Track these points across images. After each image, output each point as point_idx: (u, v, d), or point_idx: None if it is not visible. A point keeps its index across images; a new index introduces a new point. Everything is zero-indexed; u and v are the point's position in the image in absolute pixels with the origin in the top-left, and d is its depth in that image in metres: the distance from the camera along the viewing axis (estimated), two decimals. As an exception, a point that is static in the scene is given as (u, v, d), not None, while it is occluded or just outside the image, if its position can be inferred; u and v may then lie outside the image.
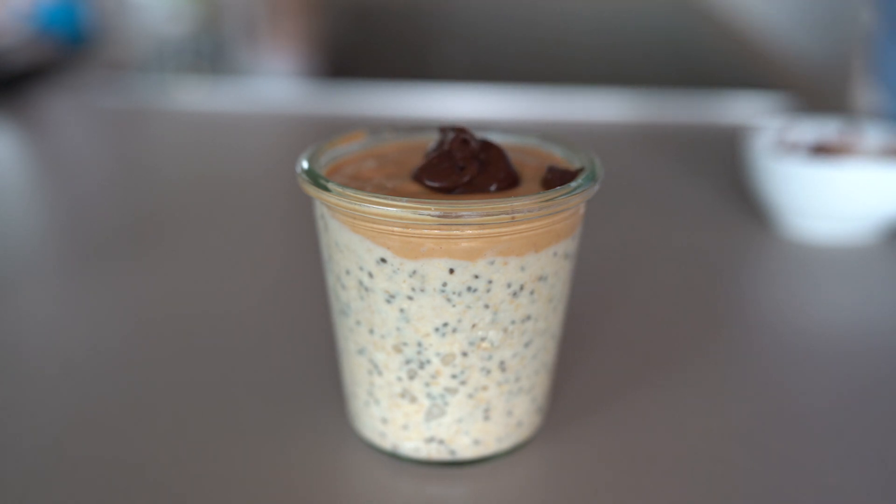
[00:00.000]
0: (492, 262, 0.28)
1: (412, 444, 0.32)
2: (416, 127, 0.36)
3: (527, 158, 0.34)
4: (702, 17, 1.33)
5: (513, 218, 0.27)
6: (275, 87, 0.93)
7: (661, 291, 0.48)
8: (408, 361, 0.30)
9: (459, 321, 0.29)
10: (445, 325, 0.29)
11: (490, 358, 0.30)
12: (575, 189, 0.29)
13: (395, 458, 0.33)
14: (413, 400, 0.31)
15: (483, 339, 0.30)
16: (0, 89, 0.84)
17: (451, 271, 0.28)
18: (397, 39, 1.16)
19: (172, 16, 1.15)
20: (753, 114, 0.82)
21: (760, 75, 0.97)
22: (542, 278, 0.30)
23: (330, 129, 0.38)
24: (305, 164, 0.31)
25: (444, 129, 0.32)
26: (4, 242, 0.56)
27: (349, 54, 1.09)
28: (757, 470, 0.33)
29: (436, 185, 0.30)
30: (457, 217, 0.27)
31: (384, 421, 0.32)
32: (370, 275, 0.29)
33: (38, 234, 0.58)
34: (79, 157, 0.73)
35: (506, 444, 0.33)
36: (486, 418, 0.32)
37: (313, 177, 0.30)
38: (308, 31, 1.25)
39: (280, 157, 0.70)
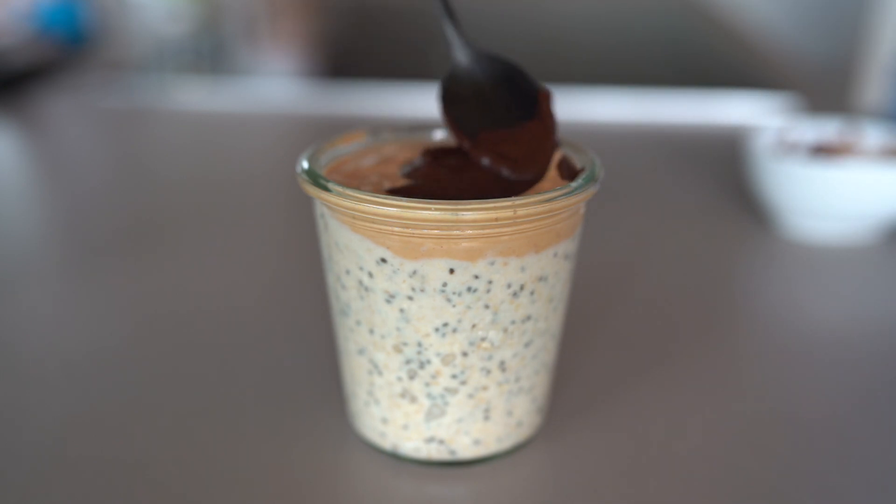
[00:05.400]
0: (492, 263, 0.28)
1: (412, 444, 0.32)
2: (416, 127, 0.36)
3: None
4: (702, 17, 1.33)
5: (513, 218, 0.27)
6: (275, 87, 0.93)
7: (661, 291, 0.48)
8: (408, 361, 0.30)
9: (459, 321, 0.29)
10: (445, 325, 0.29)
11: (490, 358, 0.30)
12: (575, 189, 0.29)
13: (395, 458, 0.33)
14: (413, 400, 0.31)
15: (483, 340, 0.30)
16: (0, 89, 0.84)
17: (452, 271, 0.28)
18: (397, 39, 1.16)
19: (172, 16, 1.15)
20: (753, 114, 0.82)
21: (760, 75, 0.97)
22: (542, 278, 0.30)
23: (330, 129, 0.38)
24: (305, 164, 0.31)
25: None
26: (4, 242, 0.56)
27: (349, 54, 1.09)
28: (757, 470, 0.33)
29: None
30: (457, 217, 0.27)
31: (384, 421, 0.32)
32: (370, 275, 0.29)
33: (38, 234, 0.58)
34: (79, 157, 0.73)
35: (506, 444, 0.33)
36: (487, 418, 0.32)
37: (313, 177, 0.29)
38: (308, 31, 1.25)
39: (280, 157, 0.70)
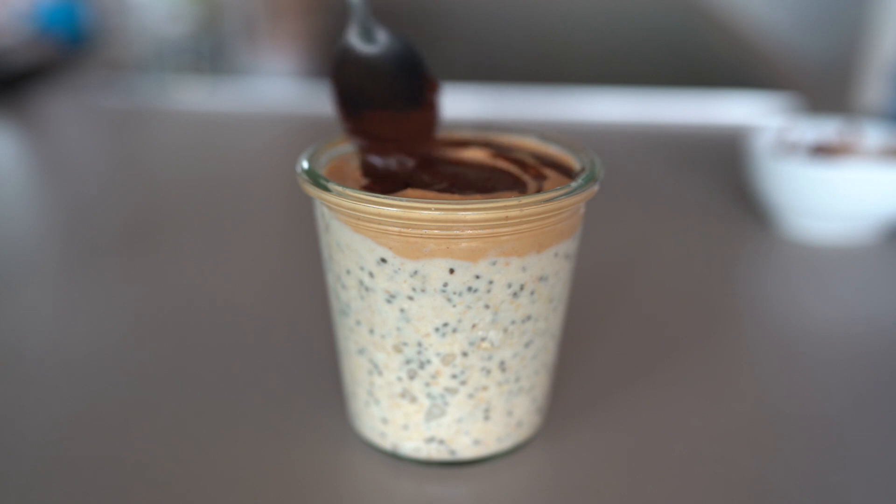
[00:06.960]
0: (493, 263, 0.28)
1: (412, 444, 0.32)
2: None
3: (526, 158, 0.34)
4: (702, 17, 1.33)
5: (519, 216, 0.27)
6: (275, 87, 0.93)
7: (661, 291, 0.48)
8: (408, 361, 0.30)
9: (460, 321, 0.29)
10: (446, 325, 0.29)
11: (490, 358, 0.30)
12: (575, 189, 0.29)
13: (395, 458, 0.33)
14: (413, 400, 0.31)
15: (483, 340, 0.30)
16: (0, 89, 0.84)
17: (452, 271, 0.28)
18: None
19: (172, 16, 1.15)
20: (753, 114, 0.82)
21: (760, 75, 0.97)
22: (542, 278, 0.30)
23: (330, 129, 0.38)
24: (305, 164, 0.31)
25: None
26: (4, 242, 0.55)
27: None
28: (757, 470, 0.33)
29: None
30: (458, 217, 0.27)
31: (384, 421, 0.32)
32: (371, 275, 0.29)
33: (38, 234, 0.58)
34: (79, 157, 0.73)
35: (506, 444, 0.33)
36: (487, 418, 0.32)
37: (313, 177, 0.29)
38: (308, 31, 1.25)
39: (280, 157, 0.70)
